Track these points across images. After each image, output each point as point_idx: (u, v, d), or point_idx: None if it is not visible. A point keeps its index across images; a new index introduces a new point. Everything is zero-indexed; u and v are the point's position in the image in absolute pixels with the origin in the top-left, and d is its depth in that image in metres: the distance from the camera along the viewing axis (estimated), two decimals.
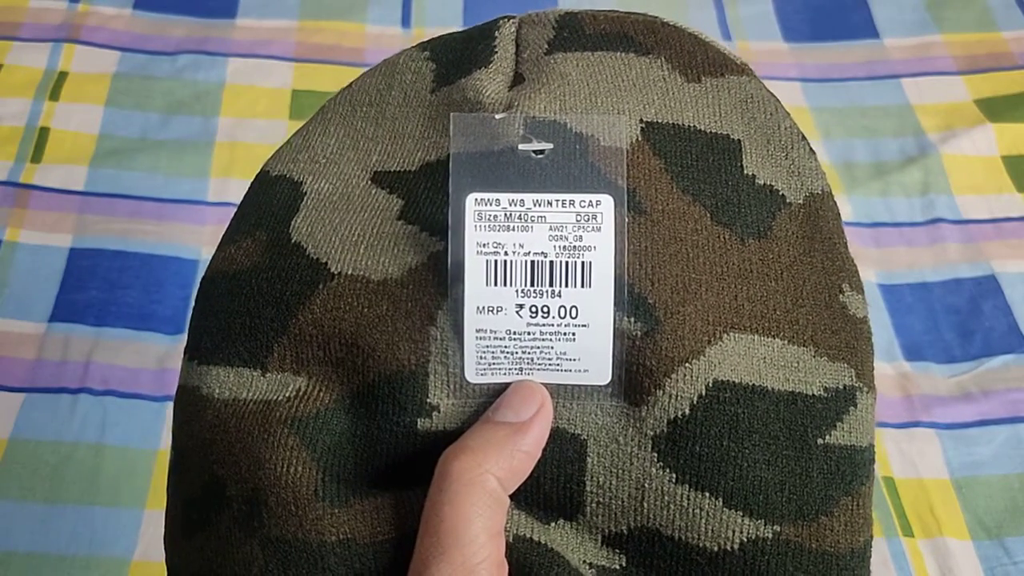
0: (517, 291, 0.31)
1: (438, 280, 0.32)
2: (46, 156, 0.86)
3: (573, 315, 0.31)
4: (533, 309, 0.31)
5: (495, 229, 0.31)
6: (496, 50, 0.37)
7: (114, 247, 0.79)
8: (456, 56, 0.37)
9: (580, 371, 0.31)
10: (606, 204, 0.31)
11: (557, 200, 0.31)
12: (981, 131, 0.93)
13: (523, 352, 0.31)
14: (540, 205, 0.31)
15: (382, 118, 0.37)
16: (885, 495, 0.68)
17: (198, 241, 0.80)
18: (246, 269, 0.35)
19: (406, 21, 1.02)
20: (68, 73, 0.93)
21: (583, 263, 0.31)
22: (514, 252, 0.31)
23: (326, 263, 0.33)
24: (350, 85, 0.39)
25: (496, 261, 0.31)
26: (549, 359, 0.31)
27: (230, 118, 0.91)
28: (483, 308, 0.31)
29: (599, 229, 0.31)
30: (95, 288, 0.77)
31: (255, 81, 0.94)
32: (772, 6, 1.07)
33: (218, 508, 0.32)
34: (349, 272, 0.33)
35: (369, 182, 0.35)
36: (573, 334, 0.31)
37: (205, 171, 0.86)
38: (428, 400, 0.31)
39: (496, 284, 0.31)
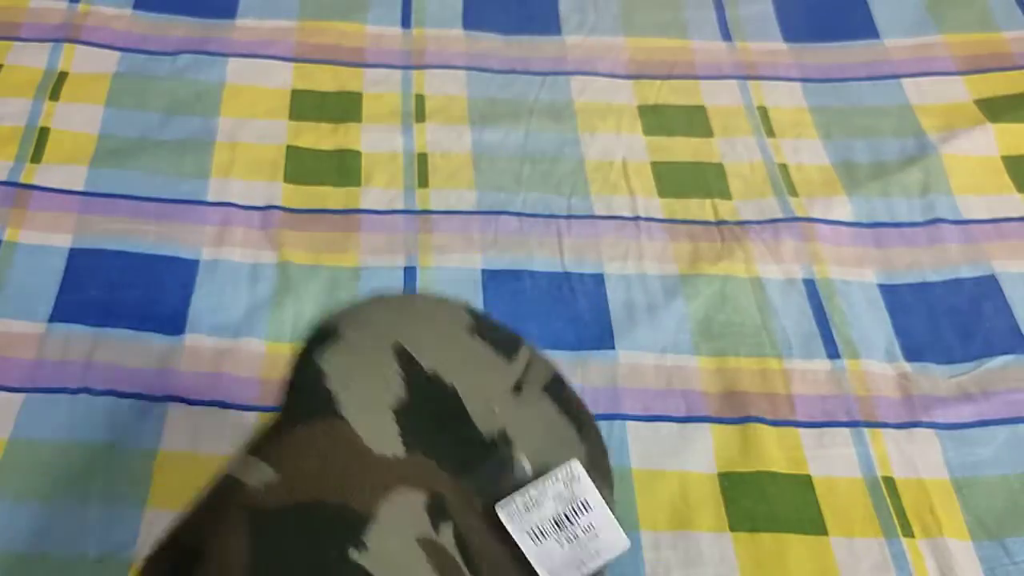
0: None
1: None
2: (46, 156, 0.86)
3: None
4: None
5: None
6: None
7: (114, 247, 0.79)
8: None
9: None
10: None
11: None
12: (981, 131, 0.93)
13: None
14: None
15: None
16: (885, 495, 0.68)
17: (198, 241, 0.80)
18: None
19: (406, 21, 1.02)
20: (68, 73, 0.93)
21: None
22: None
23: None
24: None
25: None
26: None
27: (230, 118, 0.91)
28: None
29: None
30: (95, 288, 0.77)
31: (255, 81, 0.94)
32: (772, 6, 1.07)
33: None
34: None
35: None
36: None
37: (205, 171, 0.86)
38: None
39: None
